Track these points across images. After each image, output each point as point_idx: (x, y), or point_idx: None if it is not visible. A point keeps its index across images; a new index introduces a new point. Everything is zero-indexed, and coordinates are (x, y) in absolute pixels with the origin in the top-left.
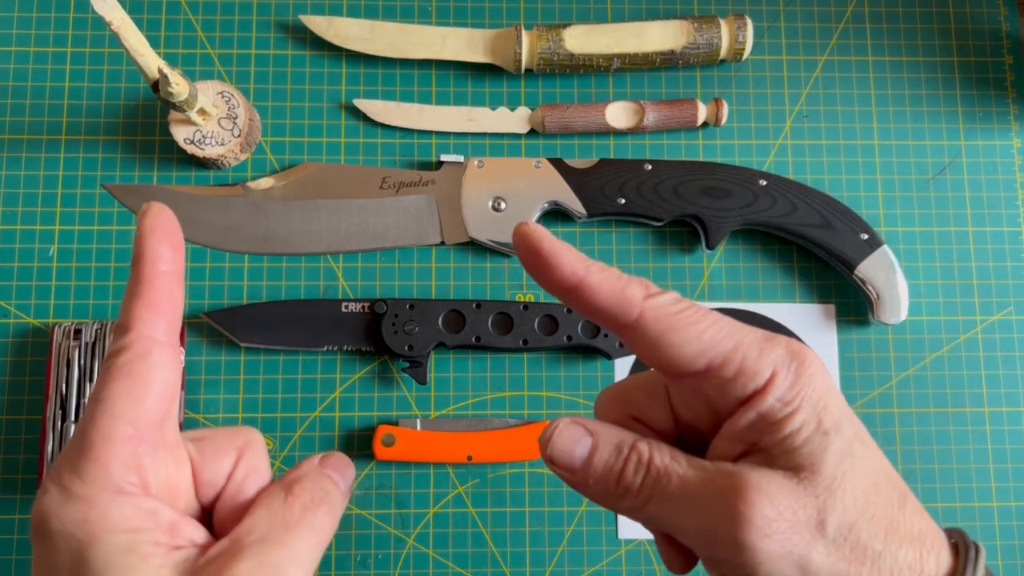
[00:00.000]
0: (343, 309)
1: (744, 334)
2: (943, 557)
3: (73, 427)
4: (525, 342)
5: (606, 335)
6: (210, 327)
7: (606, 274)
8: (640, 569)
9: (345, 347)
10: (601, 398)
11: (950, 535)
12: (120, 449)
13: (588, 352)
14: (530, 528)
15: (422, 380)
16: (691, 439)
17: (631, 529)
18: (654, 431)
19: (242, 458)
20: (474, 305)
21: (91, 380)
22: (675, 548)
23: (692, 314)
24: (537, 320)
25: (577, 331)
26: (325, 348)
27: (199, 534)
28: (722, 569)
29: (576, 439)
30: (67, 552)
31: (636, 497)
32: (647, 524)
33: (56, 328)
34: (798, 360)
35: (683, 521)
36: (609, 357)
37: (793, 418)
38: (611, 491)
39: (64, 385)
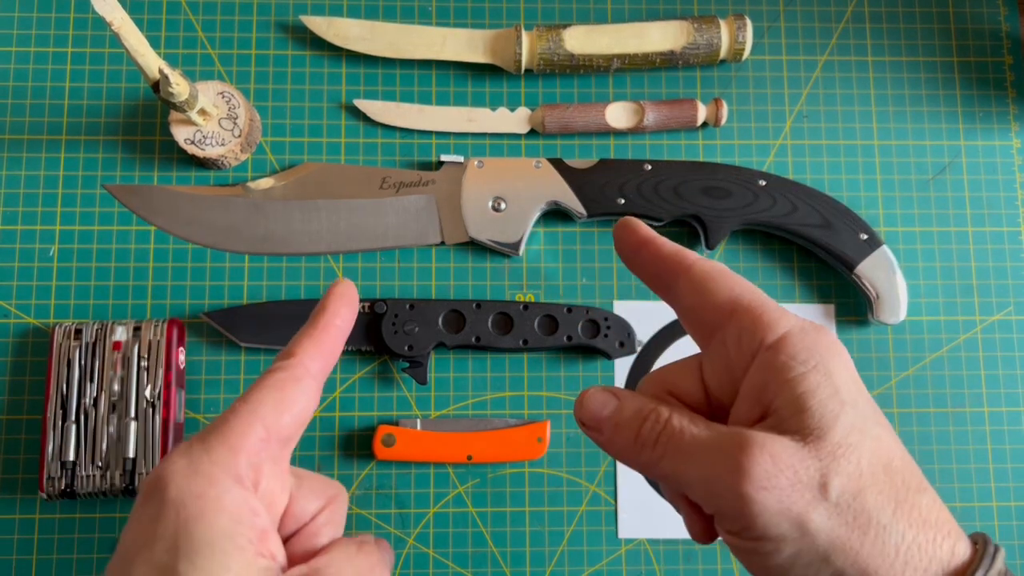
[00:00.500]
0: None
1: (769, 299)
2: (959, 548)
3: (74, 427)
4: (525, 342)
5: (606, 335)
6: (210, 327)
7: (667, 241)
8: (640, 569)
9: (345, 347)
10: (642, 380)
11: (973, 538)
12: (251, 444)
13: (588, 352)
14: (530, 528)
15: (422, 380)
16: (720, 417)
17: (631, 529)
18: (687, 405)
19: (328, 506)
20: (474, 305)
21: (91, 380)
22: (697, 515)
23: (730, 274)
24: (537, 320)
25: (577, 331)
26: None
27: (280, 552)
28: (726, 524)
29: (604, 401)
30: (173, 520)
31: (652, 451)
32: (664, 482)
33: (56, 328)
34: (816, 330)
35: (691, 473)
36: (609, 357)
37: (807, 378)
38: (630, 445)
39: (64, 385)
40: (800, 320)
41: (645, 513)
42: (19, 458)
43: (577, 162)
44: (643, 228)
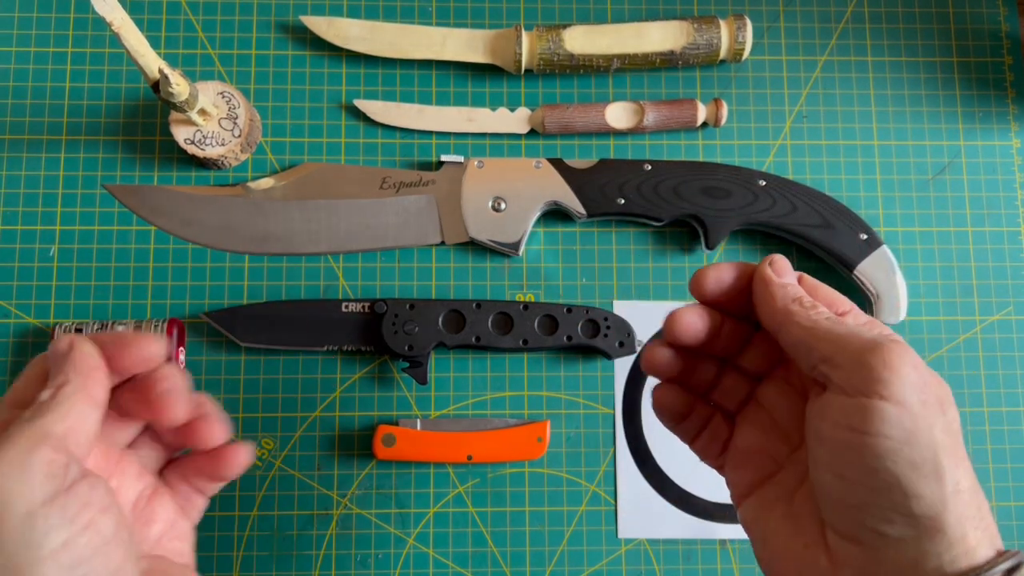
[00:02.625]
0: (343, 309)
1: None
2: (983, 541)
3: None
4: (525, 342)
5: (606, 335)
6: (211, 327)
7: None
8: (640, 569)
9: (345, 347)
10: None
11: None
12: None
13: (588, 352)
14: (530, 528)
15: (422, 380)
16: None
17: (631, 529)
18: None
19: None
20: (474, 305)
21: None
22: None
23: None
24: (537, 320)
25: (577, 331)
26: (325, 348)
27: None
28: (851, 383)
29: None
30: None
31: (806, 317)
32: (789, 342)
33: (57, 328)
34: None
35: (829, 346)
36: (609, 357)
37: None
38: (785, 307)
39: None
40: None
41: (645, 513)
42: None
43: (577, 162)
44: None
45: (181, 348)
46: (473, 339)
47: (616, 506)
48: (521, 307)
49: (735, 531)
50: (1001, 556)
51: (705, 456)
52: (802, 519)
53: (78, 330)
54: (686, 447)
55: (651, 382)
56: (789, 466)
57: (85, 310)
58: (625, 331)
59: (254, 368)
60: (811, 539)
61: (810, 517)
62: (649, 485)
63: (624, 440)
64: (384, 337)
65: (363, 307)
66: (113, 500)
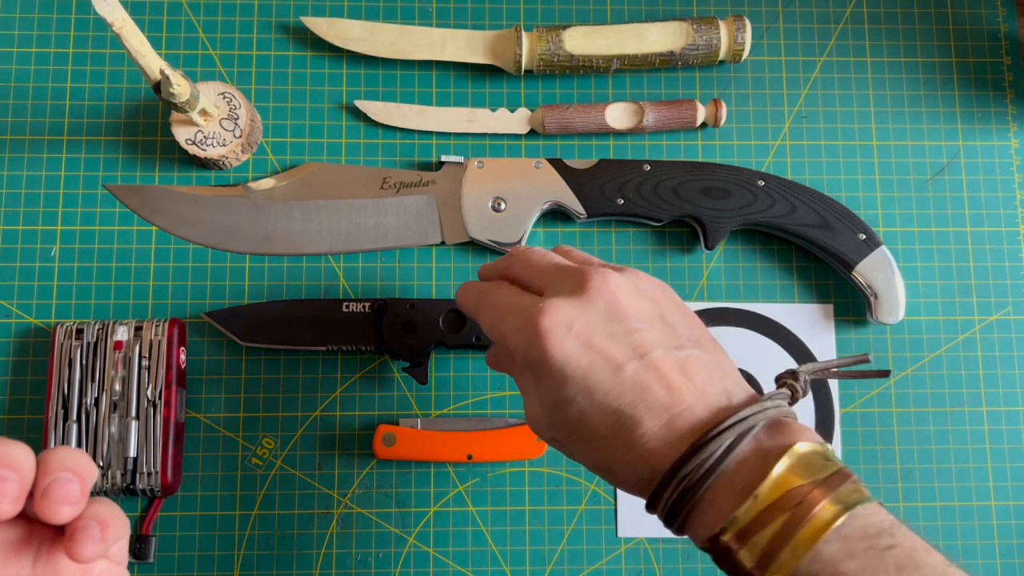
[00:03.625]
0: (344, 309)
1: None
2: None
3: (75, 427)
4: None
5: None
6: (211, 327)
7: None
8: (640, 568)
9: (346, 347)
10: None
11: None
12: None
13: None
14: (530, 527)
15: (423, 380)
16: None
17: (631, 528)
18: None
19: None
20: None
21: (93, 380)
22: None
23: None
24: None
25: None
26: (326, 348)
27: None
28: (526, 355)
29: (463, 295)
30: None
31: (480, 314)
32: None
33: (58, 328)
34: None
35: (506, 324)
36: None
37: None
38: (471, 309)
39: (66, 385)
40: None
41: (645, 512)
42: None
43: (577, 162)
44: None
45: (182, 348)
46: (473, 339)
47: (616, 505)
48: None
49: None
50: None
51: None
52: None
53: (79, 331)
54: None
55: None
56: None
57: (86, 310)
58: None
59: (255, 368)
60: None
61: None
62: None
63: None
64: (385, 337)
65: (364, 307)
66: None
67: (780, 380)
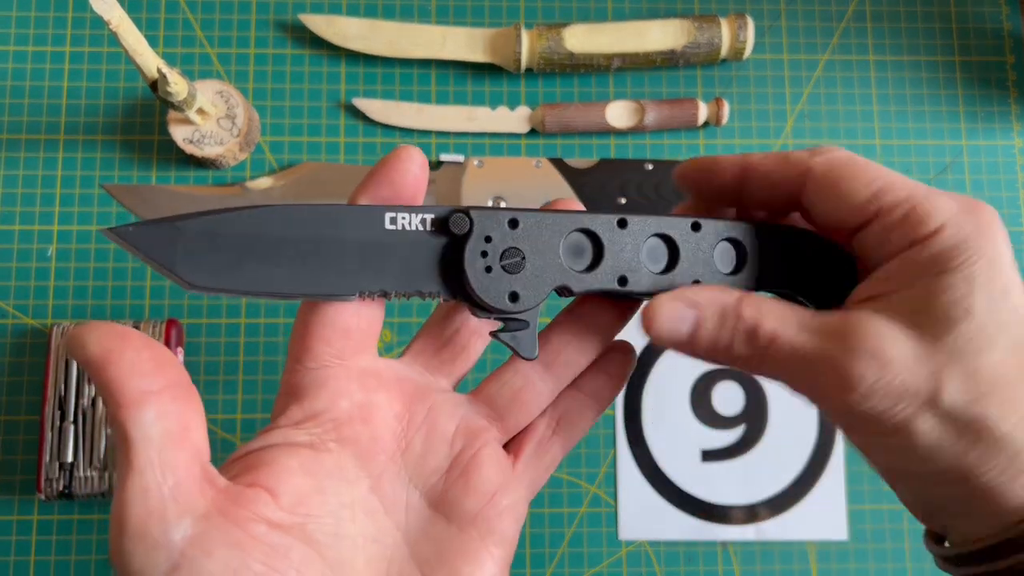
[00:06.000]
0: (388, 225)
1: (918, 186)
2: None
3: (72, 428)
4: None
5: None
6: (211, 327)
7: (764, 153)
8: (641, 571)
9: (393, 293)
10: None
11: None
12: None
13: None
14: (530, 529)
15: (528, 351)
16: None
17: (632, 530)
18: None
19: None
20: (615, 222)
21: (89, 381)
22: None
23: (862, 164)
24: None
25: None
26: (355, 295)
27: None
28: (835, 421)
29: (679, 316)
30: None
31: (747, 363)
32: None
33: (55, 328)
34: (976, 213)
35: (795, 383)
36: None
37: (962, 269)
38: (722, 360)
39: (63, 386)
40: (952, 200)
41: (646, 515)
42: (17, 459)
43: (577, 162)
44: (725, 157)
45: (180, 348)
46: (616, 281)
47: (617, 508)
48: (690, 224)
49: (737, 532)
50: None
51: None
52: None
53: None
54: (686, 447)
55: (651, 382)
56: None
57: (83, 310)
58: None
59: (254, 368)
60: None
61: None
62: (650, 486)
63: (625, 441)
64: (468, 276)
65: (425, 221)
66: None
67: None
